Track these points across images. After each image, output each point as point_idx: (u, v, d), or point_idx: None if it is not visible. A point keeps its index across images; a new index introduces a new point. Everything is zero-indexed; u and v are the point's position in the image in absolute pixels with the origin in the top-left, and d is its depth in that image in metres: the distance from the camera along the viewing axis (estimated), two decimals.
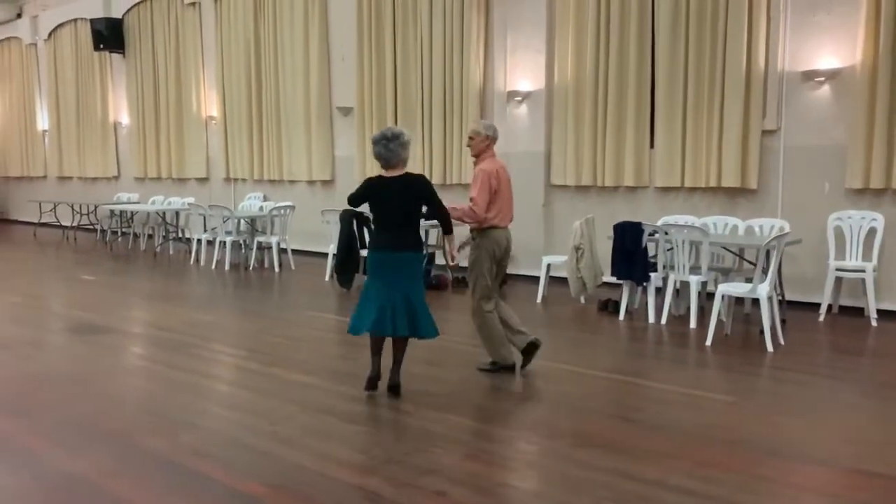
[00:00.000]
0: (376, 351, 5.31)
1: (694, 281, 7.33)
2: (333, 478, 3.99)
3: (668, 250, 7.55)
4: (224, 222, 11.88)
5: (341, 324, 7.99)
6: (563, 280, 8.55)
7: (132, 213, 15.13)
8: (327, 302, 9.18)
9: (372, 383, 5.31)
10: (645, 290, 7.83)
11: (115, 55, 16.72)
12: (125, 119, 16.89)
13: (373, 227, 5.41)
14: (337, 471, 4.08)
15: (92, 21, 16.35)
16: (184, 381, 5.86)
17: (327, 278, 10.36)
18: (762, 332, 6.56)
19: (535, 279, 9.24)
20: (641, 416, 4.95)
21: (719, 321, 6.82)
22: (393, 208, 5.17)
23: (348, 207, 5.57)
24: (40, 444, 4.55)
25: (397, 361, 5.30)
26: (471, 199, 5.60)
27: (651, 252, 7.83)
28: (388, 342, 5.31)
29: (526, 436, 4.71)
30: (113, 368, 6.28)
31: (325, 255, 10.53)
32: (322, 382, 5.73)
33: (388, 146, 5.12)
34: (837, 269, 7.66)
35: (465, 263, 6.01)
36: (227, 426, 4.83)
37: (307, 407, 5.14)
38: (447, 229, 5.43)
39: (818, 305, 7.75)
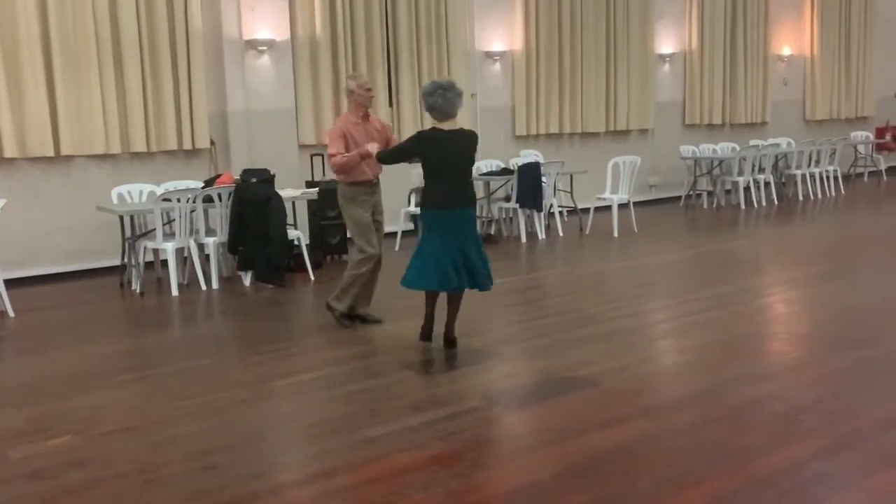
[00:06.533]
0: (433, 304, 5.21)
1: None
2: None
3: None
4: None
5: None
6: None
7: None
8: None
9: (428, 334, 5.29)
10: None
11: None
12: None
13: (427, 182, 5.05)
14: None
15: None
16: None
17: None
18: None
19: None
20: None
21: None
22: (458, 163, 5.00)
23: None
24: None
25: (454, 315, 5.17)
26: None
27: None
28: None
29: None
30: None
31: None
32: None
33: (446, 96, 4.87)
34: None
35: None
36: None
37: None
38: None
39: None
